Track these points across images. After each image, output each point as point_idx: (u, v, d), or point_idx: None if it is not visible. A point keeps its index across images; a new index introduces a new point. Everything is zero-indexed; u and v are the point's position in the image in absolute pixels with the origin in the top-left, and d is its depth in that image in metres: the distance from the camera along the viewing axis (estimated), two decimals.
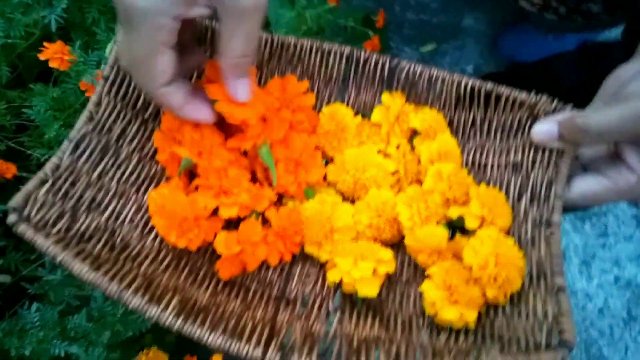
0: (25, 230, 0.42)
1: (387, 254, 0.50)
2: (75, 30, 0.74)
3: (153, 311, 0.41)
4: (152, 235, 0.51)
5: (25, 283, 0.68)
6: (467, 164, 0.58)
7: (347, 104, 0.60)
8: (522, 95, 0.54)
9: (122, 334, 0.68)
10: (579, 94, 0.56)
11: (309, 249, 0.53)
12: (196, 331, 0.41)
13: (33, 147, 0.72)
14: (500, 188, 0.56)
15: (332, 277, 0.50)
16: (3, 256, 0.70)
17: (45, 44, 0.65)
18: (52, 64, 0.65)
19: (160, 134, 0.52)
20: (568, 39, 0.77)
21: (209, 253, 0.52)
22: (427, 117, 0.56)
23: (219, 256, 0.51)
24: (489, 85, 0.55)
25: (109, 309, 0.67)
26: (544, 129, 0.53)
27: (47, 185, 0.46)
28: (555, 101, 0.53)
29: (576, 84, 0.54)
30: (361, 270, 0.48)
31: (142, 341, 0.79)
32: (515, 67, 0.92)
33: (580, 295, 1.16)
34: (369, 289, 0.49)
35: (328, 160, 0.58)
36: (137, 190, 0.52)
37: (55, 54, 0.64)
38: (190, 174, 0.53)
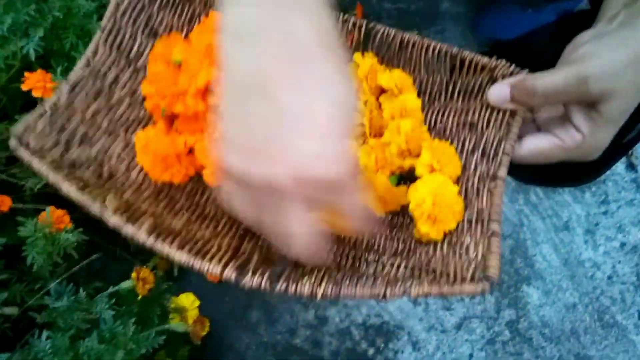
0: (23, 154, 0.50)
1: None
2: (55, 57, 0.75)
3: (130, 229, 0.49)
4: (137, 170, 0.59)
5: (33, 313, 0.70)
6: (429, 123, 0.65)
7: None
8: (483, 60, 0.60)
9: (135, 352, 0.69)
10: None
11: None
12: (164, 248, 0.49)
13: (25, 177, 0.73)
14: (457, 144, 0.63)
15: None
16: (7, 289, 0.72)
17: (26, 74, 0.67)
18: (35, 94, 0.67)
19: (147, 82, 0.59)
20: (546, 12, 0.81)
21: (187, 190, 0.60)
22: (394, 77, 0.61)
23: (195, 192, 0.60)
24: (455, 50, 0.62)
25: (120, 329, 0.69)
26: (498, 91, 0.59)
27: (46, 118, 0.54)
28: (513, 66, 0.59)
29: (555, 57, 0.60)
30: None
31: (156, 357, 0.82)
32: (497, 46, 0.96)
33: (587, 264, 1.22)
34: None
35: None
36: (126, 130, 0.60)
37: (37, 82, 0.67)
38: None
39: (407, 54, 0.64)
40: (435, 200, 0.52)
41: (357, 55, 0.63)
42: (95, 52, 0.59)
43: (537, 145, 0.58)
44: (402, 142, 0.58)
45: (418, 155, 0.58)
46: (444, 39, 1.20)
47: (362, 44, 0.66)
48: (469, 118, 0.63)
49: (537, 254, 1.23)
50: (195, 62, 0.56)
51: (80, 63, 0.58)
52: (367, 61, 0.62)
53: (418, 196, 0.53)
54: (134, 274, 0.73)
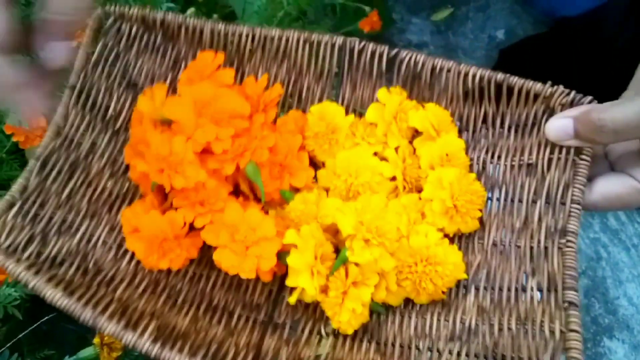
0: None
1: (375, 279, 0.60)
2: None
3: (129, 337, 0.52)
4: (127, 258, 0.62)
5: None
6: (476, 165, 0.68)
7: (342, 102, 0.70)
8: (536, 87, 0.63)
9: None
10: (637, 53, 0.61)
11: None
12: (174, 358, 0.51)
13: None
14: (513, 192, 0.65)
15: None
16: None
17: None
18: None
19: (130, 149, 0.62)
20: None
21: (188, 275, 0.64)
22: (429, 115, 0.65)
23: (199, 278, 0.63)
24: (500, 76, 0.64)
25: None
26: (559, 125, 0.60)
27: (15, 209, 0.57)
28: (573, 93, 0.61)
29: (630, 41, 0.60)
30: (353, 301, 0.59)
31: None
32: (558, 26, 0.92)
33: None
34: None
35: (319, 166, 0.68)
36: (110, 210, 0.64)
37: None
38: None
39: (442, 84, 0.67)
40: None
41: (382, 92, 0.66)
42: (65, 117, 0.62)
43: (611, 190, 0.59)
44: (447, 197, 0.61)
45: (468, 213, 0.61)
46: (488, 18, 1.14)
47: (386, 74, 0.69)
48: (525, 158, 0.65)
49: (621, 296, 1.20)
50: (188, 120, 0.59)
51: (49, 132, 0.61)
52: (395, 98, 0.66)
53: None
54: (96, 339, 0.73)
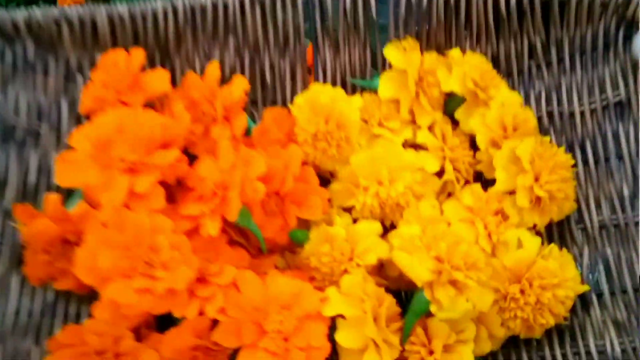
0: None
1: None
2: None
3: None
4: None
5: None
6: (541, 122, 0.59)
7: (325, 77, 0.61)
8: None
9: None
10: None
11: None
12: None
13: None
14: (605, 146, 0.57)
15: None
16: None
17: None
18: None
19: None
20: None
21: None
22: (468, 69, 0.55)
23: None
24: None
25: None
26: None
27: None
28: None
29: None
30: None
31: None
32: None
33: None
34: None
35: (328, 179, 0.58)
36: None
37: None
38: None
39: (462, 18, 0.57)
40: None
41: (392, 52, 0.57)
42: None
43: None
44: (531, 181, 0.53)
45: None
46: None
47: (378, 22, 0.59)
48: (609, 95, 0.56)
49: None
50: (93, 179, 0.50)
51: None
52: (414, 58, 0.56)
53: None
54: None
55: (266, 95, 0.62)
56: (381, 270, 0.55)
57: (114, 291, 0.46)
